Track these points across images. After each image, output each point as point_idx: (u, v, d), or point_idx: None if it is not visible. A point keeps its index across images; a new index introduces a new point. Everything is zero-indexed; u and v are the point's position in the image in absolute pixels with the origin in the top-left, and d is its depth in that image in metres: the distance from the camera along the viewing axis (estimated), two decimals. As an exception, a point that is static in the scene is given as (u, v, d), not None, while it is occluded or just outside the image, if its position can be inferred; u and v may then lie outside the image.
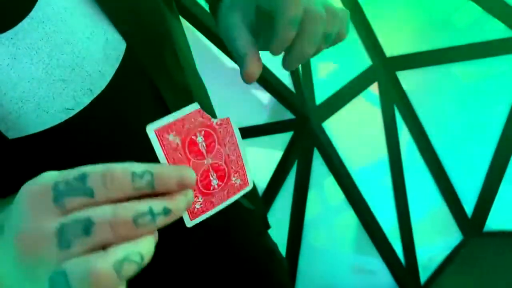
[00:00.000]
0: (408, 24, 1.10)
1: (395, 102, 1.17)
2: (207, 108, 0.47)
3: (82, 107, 0.33)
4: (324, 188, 1.14)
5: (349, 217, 1.15)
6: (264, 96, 1.05)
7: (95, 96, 0.34)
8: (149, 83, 0.37)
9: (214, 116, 0.47)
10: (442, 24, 1.08)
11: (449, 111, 1.16)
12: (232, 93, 0.99)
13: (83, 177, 0.22)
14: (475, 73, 1.10)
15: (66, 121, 0.33)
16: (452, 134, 1.18)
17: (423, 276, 1.21)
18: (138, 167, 0.23)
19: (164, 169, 0.23)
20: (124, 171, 0.22)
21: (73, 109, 0.33)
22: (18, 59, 0.30)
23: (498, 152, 1.16)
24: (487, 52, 1.05)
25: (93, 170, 0.22)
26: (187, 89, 0.42)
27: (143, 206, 0.22)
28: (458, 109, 1.15)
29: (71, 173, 0.22)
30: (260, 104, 1.07)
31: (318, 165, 1.12)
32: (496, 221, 1.23)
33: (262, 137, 1.10)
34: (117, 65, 0.34)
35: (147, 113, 0.38)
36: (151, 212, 0.22)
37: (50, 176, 0.22)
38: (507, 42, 1.03)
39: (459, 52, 1.07)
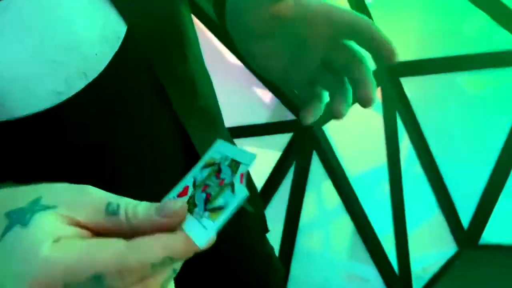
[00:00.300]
0: (415, 30, 1.08)
1: (398, 109, 1.16)
2: (212, 100, 0.44)
3: (74, 92, 0.31)
4: (321, 192, 1.12)
5: (345, 223, 1.13)
6: (266, 95, 1.03)
7: (89, 81, 0.31)
8: (149, 70, 0.35)
9: (218, 109, 0.46)
10: (450, 32, 1.06)
11: (452, 121, 1.14)
12: (233, 89, 0.97)
13: (98, 278, 0.20)
14: (480, 84, 1.08)
15: (56, 106, 0.30)
16: (453, 144, 1.17)
17: (416, 286, 1.20)
18: (153, 253, 0.21)
19: (181, 248, 0.22)
20: (141, 262, 0.21)
21: (64, 93, 0.30)
22: (6, 34, 0.28)
23: (499, 164, 1.14)
24: (494, 63, 1.03)
25: (106, 268, 0.20)
26: (189, 78, 0.40)
27: None
28: (461, 119, 1.14)
29: (82, 272, 0.20)
30: (261, 103, 1.05)
31: (316, 168, 1.10)
32: (492, 234, 1.22)
33: (261, 136, 1.08)
34: (115, 49, 0.32)
35: (145, 102, 0.36)
36: None
37: (58, 269, 0.20)
38: (514, 53, 1.01)
39: (465, 61, 1.06)
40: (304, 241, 1.17)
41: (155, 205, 0.23)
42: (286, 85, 0.38)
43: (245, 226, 0.48)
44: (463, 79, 1.07)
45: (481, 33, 1.03)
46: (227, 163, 0.25)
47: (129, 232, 0.22)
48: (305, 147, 1.07)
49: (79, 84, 0.31)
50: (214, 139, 0.41)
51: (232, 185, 0.24)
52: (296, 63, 0.35)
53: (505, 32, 1.00)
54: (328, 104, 0.36)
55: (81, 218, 0.22)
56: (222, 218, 0.23)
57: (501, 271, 1.18)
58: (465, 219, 1.24)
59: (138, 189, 0.34)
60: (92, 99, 0.32)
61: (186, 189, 0.25)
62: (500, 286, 1.15)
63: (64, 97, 0.30)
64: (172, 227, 0.23)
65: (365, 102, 0.33)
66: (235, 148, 0.26)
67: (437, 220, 1.24)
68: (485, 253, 1.23)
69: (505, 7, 0.97)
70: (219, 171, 0.25)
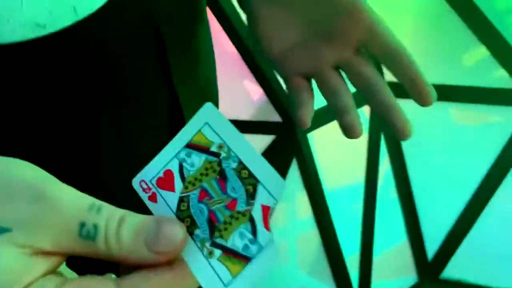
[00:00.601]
0: (413, 52, 1.06)
1: (383, 130, 1.13)
2: (212, 86, 0.39)
3: (58, 28, 0.26)
4: (294, 201, 1.08)
5: (312, 237, 1.09)
6: (255, 91, 0.98)
7: (79, 18, 0.26)
8: (153, 29, 0.30)
9: (217, 99, 0.41)
10: (448, 60, 1.05)
11: (435, 150, 1.13)
12: (222, 78, 0.92)
13: None
14: (469, 117, 1.07)
15: (35, 40, 0.25)
16: (432, 173, 1.16)
17: (372, 312, 1.17)
18: None
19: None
20: None
21: (45, 27, 0.25)
22: None
23: (473, 201, 1.14)
24: (486, 99, 1.03)
25: None
26: (195, 51, 0.35)
27: None
28: (443, 150, 1.13)
29: None
30: (248, 98, 1.00)
31: (293, 176, 1.06)
32: (454, 269, 1.22)
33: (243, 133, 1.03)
34: None
35: (140, 63, 0.30)
36: None
37: None
38: (507, 93, 1.01)
39: (459, 92, 1.05)
40: (267, 249, 1.13)
41: (145, 229, 0.16)
42: (280, 69, 0.33)
43: None
44: (453, 110, 1.06)
45: (479, 67, 1.02)
46: (233, 164, 0.18)
47: (110, 258, 0.17)
48: (286, 152, 1.03)
49: (66, 20, 0.25)
50: None
51: (251, 219, 0.17)
52: (306, 47, 0.31)
53: (502, 70, 1.00)
54: (337, 117, 0.31)
55: (46, 245, 0.16)
56: (247, 276, 0.16)
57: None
58: (431, 251, 1.23)
59: (115, 149, 0.29)
60: (77, 41, 0.27)
61: (170, 176, 0.19)
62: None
63: (44, 32, 0.25)
64: (167, 263, 0.17)
65: (401, 135, 0.30)
66: (238, 136, 0.19)
67: (403, 248, 1.22)
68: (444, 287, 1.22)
69: (507, 45, 0.97)
70: (222, 175, 0.18)
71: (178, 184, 0.19)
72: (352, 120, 0.30)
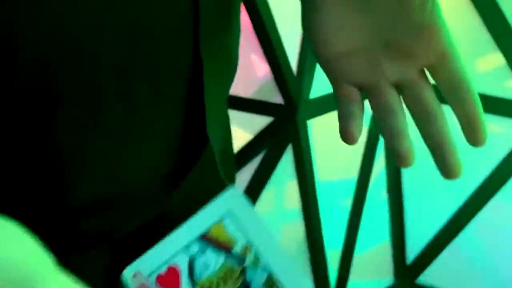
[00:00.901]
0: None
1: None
2: (235, 51, 0.37)
3: None
4: (283, 188, 1.04)
5: (297, 227, 1.06)
6: (261, 68, 0.92)
7: None
8: None
9: (235, 65, 0.38)
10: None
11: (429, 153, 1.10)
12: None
13: None
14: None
15: None
16: (426, 177, 1.13)
17: (345, 310, 1.15)
18: None
19: None
20: None
21: None
22: None
23: (462, 211, 1.12)
24: (494, 109, 1.00)
25: None
26: (226, 8, 0.32)
27: None
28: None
29: None
30: (253, 75, 0.94)
31: (286, 163, 1.01)
32: (431, 276, 1.20)
33: (237, 111, 0.97)
34: None
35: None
36: None
37: None
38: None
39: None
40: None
41: None
42: (332, 71, 0.30)
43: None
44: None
45: (492, 74, 0.99)
46: (261, 277, 0.14)
47: None
48: (282, 137, 0.98)
49: None
50: (225, 96, 0.37)
51: None
52: (368, 56, 0.28)
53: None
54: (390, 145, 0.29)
55: None
56: None
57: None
58: (411, 255, 1.21)
59: (119, 105, 0.27)
60: None
61: (175, 275, 0.14)
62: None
63: None
64: None
65: (448, 175, 0.29)
66: (270, 238, 0.15)
67: (384, 249, 1.20)
68: (418, 293, 1.21)
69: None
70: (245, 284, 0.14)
71: (184, 283, 0.14)
72: (408, 147, 0.29)
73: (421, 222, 1.18)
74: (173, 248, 0.14)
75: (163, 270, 0.14)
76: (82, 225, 0.34)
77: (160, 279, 0.14)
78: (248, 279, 0.14)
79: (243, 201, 0.15)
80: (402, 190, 1.16)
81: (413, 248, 1.20)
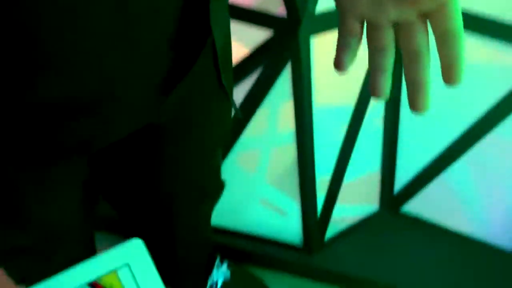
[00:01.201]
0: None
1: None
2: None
3: None
4: (278, 109, 0.99)
5: (289, 150, 1.03)
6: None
7: None
8: None
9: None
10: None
11: (436, 83, 1.05)
12: None
13: None
14: (486, 54, 0.98)
15: None
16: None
17: (329, 234, 1.17)
18: None
19: None
20: None
21: None
22: None
23: (455, 145, 1.10)
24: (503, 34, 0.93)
25: None
26: None
27: None
28: (443, 87, 1.05)
29: None
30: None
31: (283, 82, 0.95)
32: (415, 207, 1.22)
33: (237, 23, 0.89)
34: None
35: None
36: None
37: None
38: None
39: (483, 24, 0.94)
40: (238, 154, 1.06)
41: None
42: (342, 4, 0.33)
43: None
44: (471, 43, 0.96)
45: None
46: None
47: None
48: (281, 53, 0.91)
49: None
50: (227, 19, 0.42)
51: None
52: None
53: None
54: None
55: None
56: None
57: (408, 241, 1.20)
58: (398, 184, 1.22)
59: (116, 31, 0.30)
60: None
61: None
62: (402, 254, 1.17)
63: None
64: None
65: (413, 109, 0.33)
66: None
67: (374, 177, 1.20)
68: (401, 222, 1.23)
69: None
70: None
71: None
72: (385, 81, 0.32)
73: (413, 154, 1.16)
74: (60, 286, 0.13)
75: None
76: (64, 131, 0.34)
77: None
78: None
79: (146, 254, 0.16)
80: (399, 120, 1.13)
81: (402, 179, 1.20)
